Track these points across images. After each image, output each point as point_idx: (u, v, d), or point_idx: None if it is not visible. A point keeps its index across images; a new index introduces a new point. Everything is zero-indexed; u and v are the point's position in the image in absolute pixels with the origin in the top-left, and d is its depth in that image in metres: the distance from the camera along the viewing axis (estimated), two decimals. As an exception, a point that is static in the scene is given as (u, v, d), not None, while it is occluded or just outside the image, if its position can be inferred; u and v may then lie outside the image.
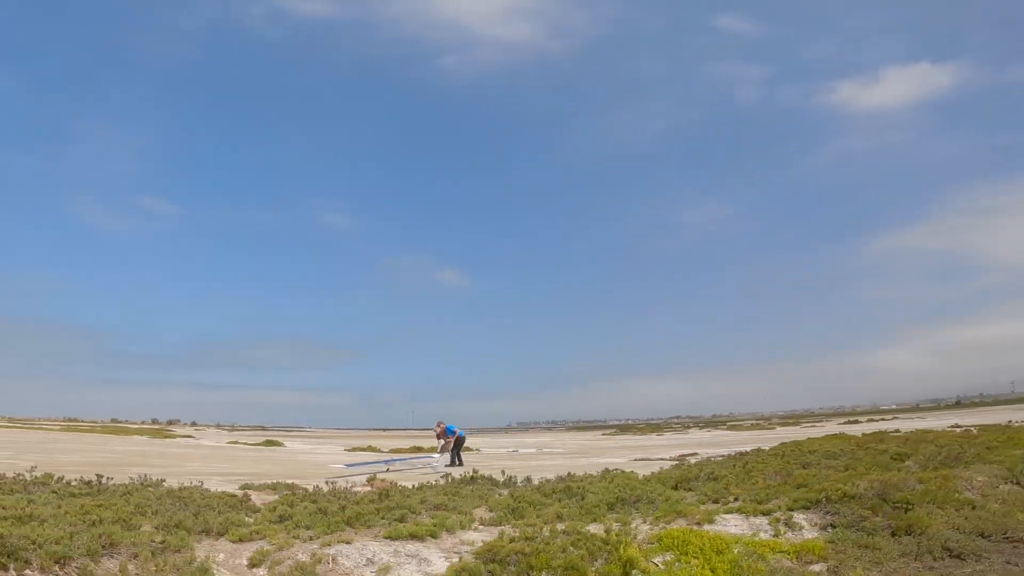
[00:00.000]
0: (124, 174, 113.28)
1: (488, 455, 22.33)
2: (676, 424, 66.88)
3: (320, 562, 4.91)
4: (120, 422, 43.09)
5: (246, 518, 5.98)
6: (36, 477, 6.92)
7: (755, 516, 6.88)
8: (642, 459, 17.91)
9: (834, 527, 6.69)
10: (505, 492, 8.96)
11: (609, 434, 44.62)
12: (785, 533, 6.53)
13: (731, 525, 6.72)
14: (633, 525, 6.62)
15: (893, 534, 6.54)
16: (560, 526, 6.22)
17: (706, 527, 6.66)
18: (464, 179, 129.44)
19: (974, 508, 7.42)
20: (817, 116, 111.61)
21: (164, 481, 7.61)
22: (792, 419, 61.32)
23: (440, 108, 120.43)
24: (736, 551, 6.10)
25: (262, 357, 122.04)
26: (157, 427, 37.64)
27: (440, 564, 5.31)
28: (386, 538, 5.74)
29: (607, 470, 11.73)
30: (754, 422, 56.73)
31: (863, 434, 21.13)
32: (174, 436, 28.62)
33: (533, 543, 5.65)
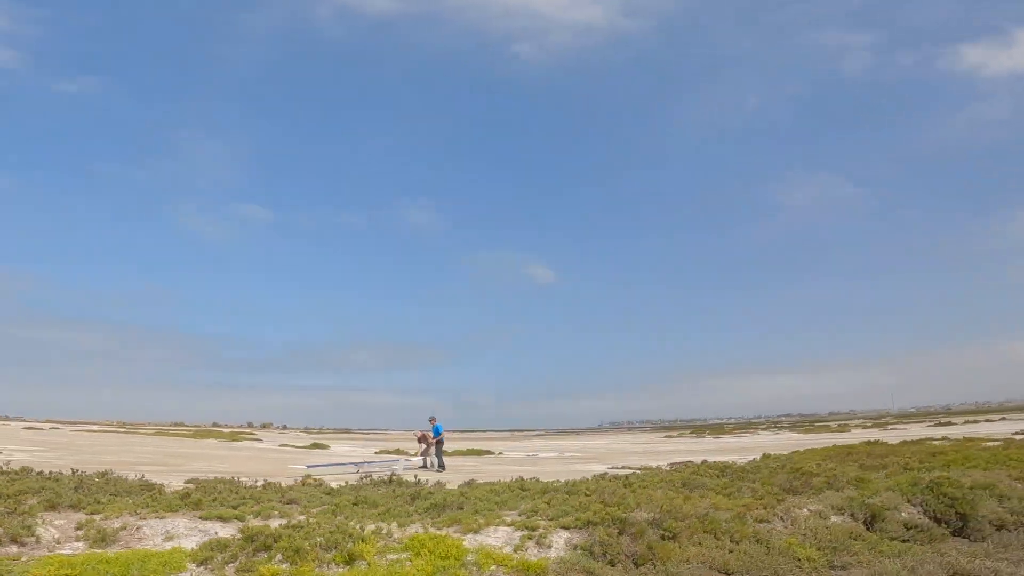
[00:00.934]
0: (219, 182, 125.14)
1: (500, 459, 23.65)
2: (762, 425, 61.64)
3: (125, 529, 6.88)
4: (220, 425, 50.77)
5: (129, 500, 8.30)
6: (13, 470, 10.04)
7: (520, 530, 7.59)
8: (623, 466, 18.10)
9: (583, 549, 7.20)
10: (400, 492, 10.46)
11: (672, 436, 43.22)
12: (528, 549, 7.20)
13: (492, 536, 7.48)
14: (406, 527, 7.76)
15: (635, 563, 6.90)
16: (335, 520, 7.62)
17: (469, 535, 7.53)
18: (546, 170, 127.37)
19: (757, 541, 7.34)
20: (942, 83, 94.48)
21: (108, 472, 10.42)
22: (898, 419, 53.75)
23: (517, 97, 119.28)
24: (468, 559, 7.00)
25: (356, 359, 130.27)
26: (232, 431, 43.94)
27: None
28: (200, 518, 7.63)
29: (520, 478, 12.74)
30: (842, 423, 50.58)
31: (901, 441, 19.12)
32: (241, 439, 33.31)
33: (293, 530, 7.16)
